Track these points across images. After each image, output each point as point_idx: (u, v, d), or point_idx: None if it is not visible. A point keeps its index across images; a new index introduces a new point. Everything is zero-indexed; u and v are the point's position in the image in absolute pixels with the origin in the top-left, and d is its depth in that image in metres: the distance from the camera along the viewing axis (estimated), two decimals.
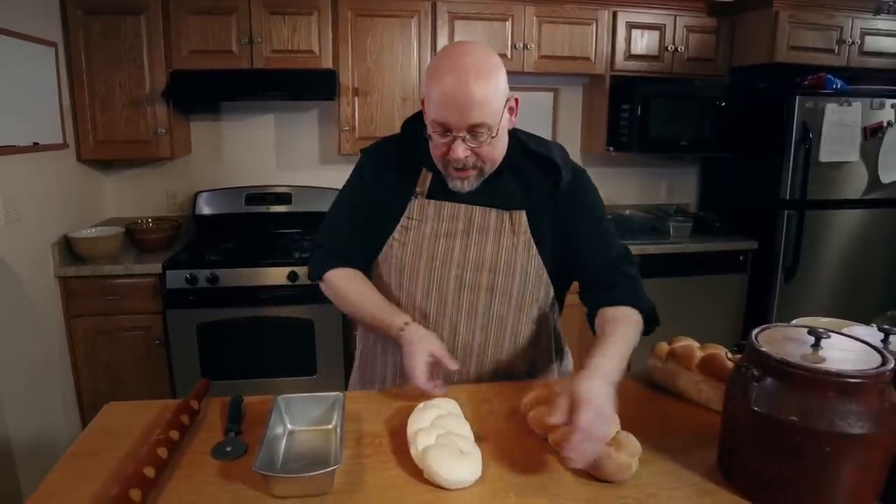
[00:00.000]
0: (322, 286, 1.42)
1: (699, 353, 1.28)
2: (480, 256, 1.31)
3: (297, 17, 2.88)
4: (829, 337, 0.97)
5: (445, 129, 1.19)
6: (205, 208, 3.22)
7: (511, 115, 1.26)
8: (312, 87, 2.95)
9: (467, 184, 1.27)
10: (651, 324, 1.33)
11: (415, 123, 1.36)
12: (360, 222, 1.38)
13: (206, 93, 3.05)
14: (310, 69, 2.93)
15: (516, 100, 1.25)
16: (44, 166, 2.59)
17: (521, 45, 3.09)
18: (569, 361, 1.54)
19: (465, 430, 1.06)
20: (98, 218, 3.11)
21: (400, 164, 1.37)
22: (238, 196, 3.25)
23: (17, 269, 2.37)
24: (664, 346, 1.34)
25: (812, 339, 0.96)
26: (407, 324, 1.27)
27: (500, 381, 1.37)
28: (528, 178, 1.33)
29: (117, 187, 3.25)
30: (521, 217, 1.32)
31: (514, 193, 1.33)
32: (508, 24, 3.07)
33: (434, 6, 2.99)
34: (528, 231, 1.32)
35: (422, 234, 1.33)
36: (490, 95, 1.16)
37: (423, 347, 1.22)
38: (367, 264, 1.42)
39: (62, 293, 2.67)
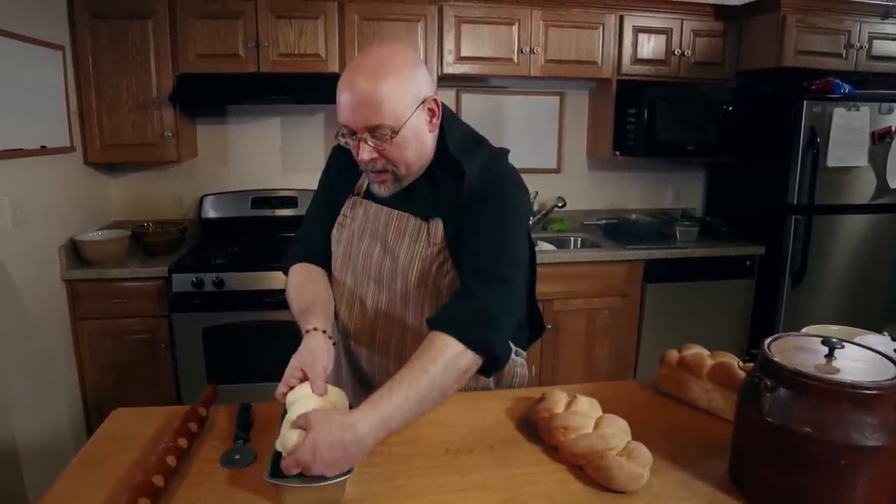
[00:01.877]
0: None
1: (709, 362, 1.27)
2: (395, 264, 1.29)
3: (303, 22, 2.88)
4: (842, 347, 0.96)
5: (350, 132, 1.16)
6: (210, 211, 3.22)
7: (432, 116, 1.21)
8: (318, 90, 2.94)
9: (384, 188, 1.24)
10: (490, 365, 1.13)
11: None
12: (324, 217, 1.41)
13: (212, 96, 3.05)
14: (316, 73, 2.93)
15: (435, 100, 1.20)
16: (51, 169, 2.59)
17: (528, 49, 3.08)
18: (514, 368, 1.42)
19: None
20: (104, 221, 3.11)
21: (352, 162, 1.27)
22: (244, 199, 3.25)
23: (24, 272, 2.37)
24: (674, 354, 1.33)
25: (825, 349, 0.95)
26: (307, 332, 1.21)
27: None
28: (440, 184, 1.26)
29: (124, 190, 3.25)
30: (438, 226, 1.26)
31: (427, 200, 1.27)
32: (515, 28, 3.06)
33: (440, 10, 2.99)
34: (444, 241, 1.25)
35: (351, 231, 1.35)
36: (387, 95, 1.10)
37: (296, 359, 1.14)
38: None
39: (68, 296, 2.67)
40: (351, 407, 1.07)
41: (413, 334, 1.31)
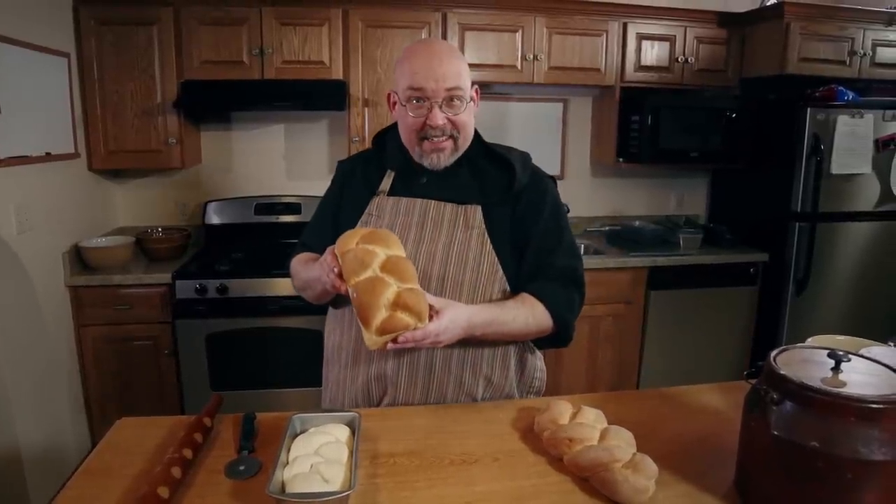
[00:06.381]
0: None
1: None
2: (433, 247, 1.33)
3: (307, 28, 2.89)
4: (848, 360, 0.95)
5: (422, 98, 1.27)
6: (214, 218, 3.23)
7: (474, 103, 1.35)
8: (322, 97, 2.96)
9: (443, 157, 1.33)
10: (560, 336, 1.36)
11: (383, 136, 1.48)
12: (330, 224, 1.44)
13: (216, 103, 3.06)
14: (320, 80, 2.94)
15: (477, 90, 1.36)
16: (55, 176, 2.60)
17: (532, 56, 3.09)
18: (536, 362, 1.48)
19: (343, 458, 1.02)
20: (108, 227, 3.12)
21: (367, 173, 1.45)
22: (247, 206, 3.26)
23: (29, 278, 2.37)
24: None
25: (832, 362, 0.95)
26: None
27: (456, 378, 1.34)
28: (484, 175, 1.38)
29: (128, 196, 3.26)
30: (476, 211, 1.35)
31: (469, 188, 1.37)
32: (518, 35, 3.07)
33: (444, 17, 2.99)
34: (483, 225, 1.34)
35: (378, 227, 1.36)
36: (461, 68, 1.29)
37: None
38: None
39: (72, 302, 2.68)
40: None
41: None
